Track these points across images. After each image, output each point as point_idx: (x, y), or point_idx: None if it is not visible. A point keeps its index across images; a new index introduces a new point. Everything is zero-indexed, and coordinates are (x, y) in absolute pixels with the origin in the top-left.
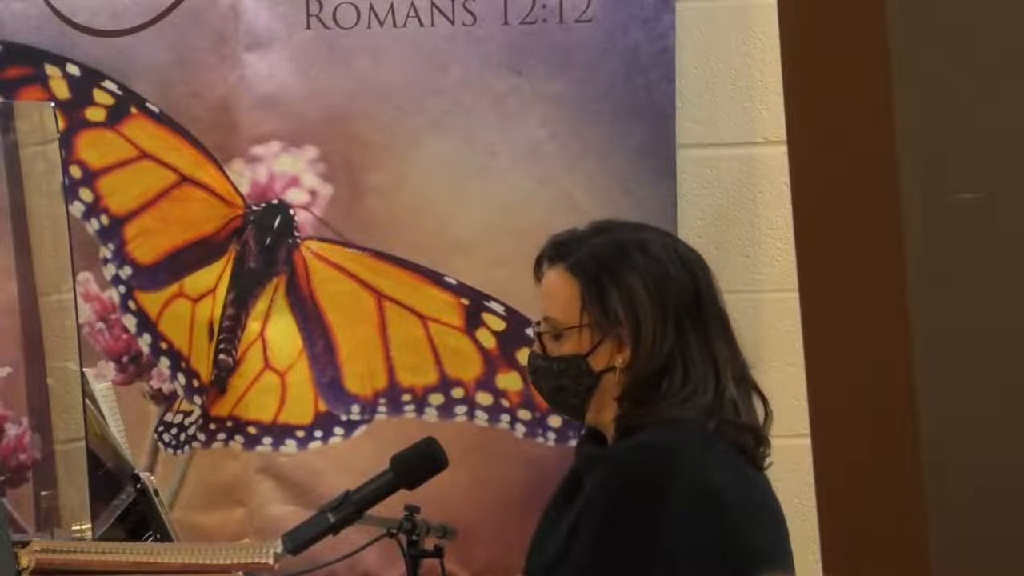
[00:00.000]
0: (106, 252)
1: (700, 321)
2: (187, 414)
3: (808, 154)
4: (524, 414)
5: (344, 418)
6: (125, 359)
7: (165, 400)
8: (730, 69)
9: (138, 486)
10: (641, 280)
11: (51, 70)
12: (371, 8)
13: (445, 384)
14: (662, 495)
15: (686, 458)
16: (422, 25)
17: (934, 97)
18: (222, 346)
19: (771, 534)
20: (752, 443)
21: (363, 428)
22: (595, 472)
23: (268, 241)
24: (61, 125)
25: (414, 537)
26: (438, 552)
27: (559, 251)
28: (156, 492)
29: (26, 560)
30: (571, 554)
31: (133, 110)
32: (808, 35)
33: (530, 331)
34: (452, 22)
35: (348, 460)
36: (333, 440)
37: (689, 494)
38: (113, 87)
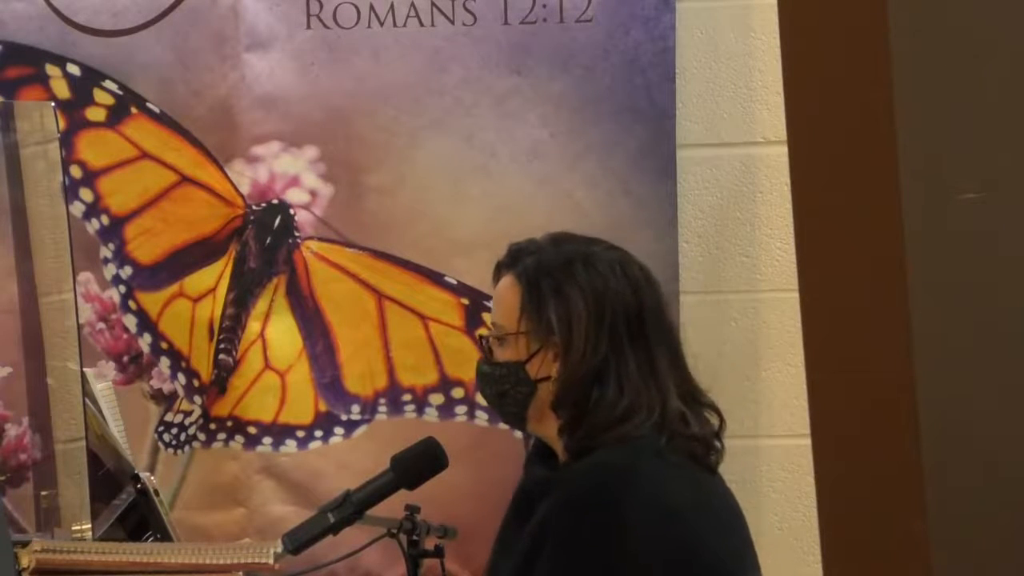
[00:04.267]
0: (106, 252)
1: (641, 338)
2: (187, 414)
3: (808, 154)
4: None
5: (344, 418)
6: (125, 359)
7: (165, 400)
8: (730, 69)
9: (138, 486)
10: (580, 291)
11: (51, 70)
12: (371, 8)
13: (445, 384)
14: (620, 513)
15: (641, 475)
16: (422, 25)
17: (934, 97)
18: (222, 346)
19: (731, 540)
20: (702, 451)
21: (363, 428)
22: (550, 494)
23: (268, 241)
24: (61, 125)
25: (414, 537)
26: (438, 552)
27: (513, 258)
28: (156, 492)
29: (26, 560)
30: None
31: (133, 110)
32: (808, 35)
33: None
34: (452, 22)
35: (348, 460)
36: (333, 440)
37: (647, 510)
38: (113, 87)
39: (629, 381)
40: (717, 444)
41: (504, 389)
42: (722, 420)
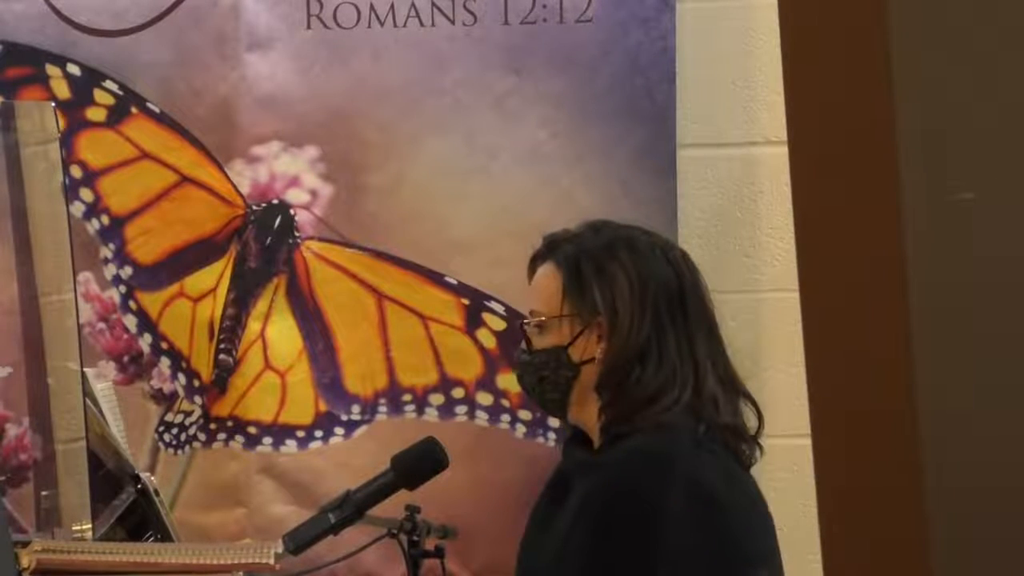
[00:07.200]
0: (106, 252)
1: (682, 319)
2: (188, 414)
3: (808, 154)
4: (524, 414)
5: (344, 418)
6: (126, 359)
7: (166, 400)
8: (730, 69)
9: (139, 486)
10: (623, 270)
11: (52, 70)
12: (371, 8)
13: (445, 384)
14: (659, 501)
15: (680, 463)
16: (422, 25)
17: (934, 97)
18: (222, 346)
19: (763, 536)
20: (734, 442)
21: (363, 428)
22: (588, 478)
23: (268, 241)
24: (62, 125)
25: (415, 537)
26: (438, 552)
27: (550, 247)
28: (156, 492)
29: (27, 560)
30: (567, 561)
31: (134, 110)
32: (808, 35)
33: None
34: (452, 22)
35: (348, 460)
36: (333, 440)
37: (685, 499)
38: (114, 87)
39: (667, 359)
40: (749, 438)
41: (544, 375)
42: (761, 419)
